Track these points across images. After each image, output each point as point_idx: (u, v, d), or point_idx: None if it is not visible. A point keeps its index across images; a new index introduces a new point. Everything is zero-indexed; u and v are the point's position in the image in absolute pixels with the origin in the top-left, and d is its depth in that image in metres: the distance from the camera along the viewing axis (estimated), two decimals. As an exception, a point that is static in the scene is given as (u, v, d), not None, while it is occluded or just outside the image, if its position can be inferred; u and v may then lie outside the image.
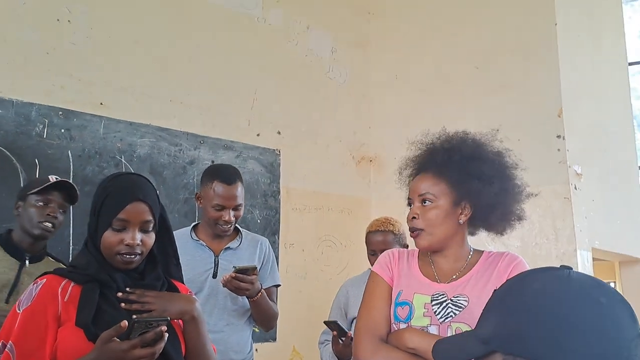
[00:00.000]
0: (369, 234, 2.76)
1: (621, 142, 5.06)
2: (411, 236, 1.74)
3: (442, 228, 1.68)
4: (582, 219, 3.93)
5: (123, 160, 3.26)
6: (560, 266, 0.89)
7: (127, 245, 1.55)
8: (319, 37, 4.41)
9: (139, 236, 1.57)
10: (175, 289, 1.69)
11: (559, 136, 3.92)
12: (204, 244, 2.47)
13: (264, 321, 2.52)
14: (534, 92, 4.08)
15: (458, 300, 1.62)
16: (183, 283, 1.78)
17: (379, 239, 2.69)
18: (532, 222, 3.89)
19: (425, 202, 1.69)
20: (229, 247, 2.49)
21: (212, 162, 3.61)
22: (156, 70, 3.50)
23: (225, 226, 2.42)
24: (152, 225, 1.61)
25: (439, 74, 4.46)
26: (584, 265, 3.81)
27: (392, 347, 1.63)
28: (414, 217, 1.70)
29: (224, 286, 2.28)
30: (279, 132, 4.01)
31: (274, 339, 3.60)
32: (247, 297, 2.36)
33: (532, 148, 3.99)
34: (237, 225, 2.55)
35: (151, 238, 1.62)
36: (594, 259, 4.13)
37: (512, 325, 0.85)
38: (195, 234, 2.51)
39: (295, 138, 4.10)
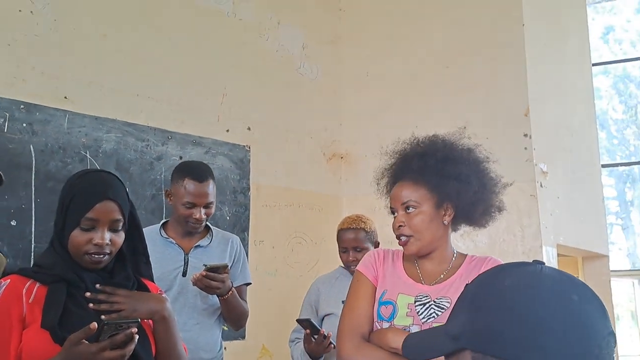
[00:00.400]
0: (340, 231, 2.75)
1: (585, 141, 5.16)
2: (400, 244, 1.76)
3: (429, 232, 1.72)
4: (547, 216, 4.00)
5: (88, 156, 3.19)
6: (533, 261, 0.88)
7: (95, 245, 1.52)
8: (290, 33, 4.38)
9: (108, 235, 1.54)
10: (145, 288, 1.66)
11: (525, 135, 3.97)
12: (174, 241, 2.44)
13: (234, 320, 2.50)
14: (502, 91, 4.13)
15: (441, 302, 1.67)
16: (153, 282, 1.75)
17: (350, 237, 2.67)
18: (500, 219, 3.93)
19: (408, 209, 1.73)
20: (199, 245, 2.46)
21: (181, 158, 3.56)
22: (123, 64, 3.43)
23: (196, 224, 2.39)
24: (121, 224, 1.58)
25: (409, 71, 4.48)
26: (549, 261, 3.88)
27: (375, 346, 1.65)
28: (400, 226, 1.73)
29: (194, 284, 2.26)
30: (249, 128, 3.98)
31: (243, 337, 3.57)
32: (218, 296, 2.33)
33: (499, 146, 4.03)
34: (207, 223, 2.52)
35: (120, 237, 1.59)
36: (558, 255, 4.21)
37: (483, 322, 0.83)
38: (165, 232, 2.47)
39: (265, 134, 4.07)
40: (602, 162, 5.65)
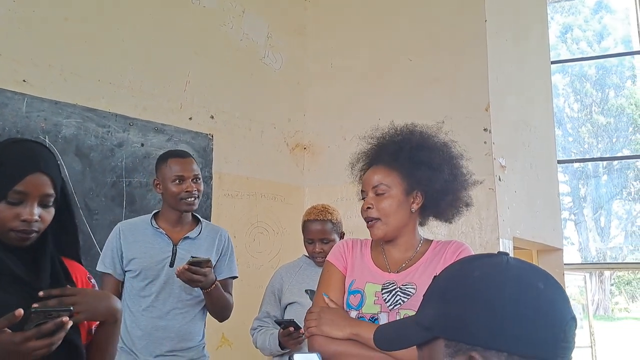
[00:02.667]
0: (306, 222, 2.74)
1: (542, 137, 5.27)
2: (367, 227, 1.79)
3: (396, 217, 1.75)
4: (505, 209, 4.08)
5: (47, 141, 3.12)
6: (498, 252, 0.92)
7: (23, 220, 1.38)
8: (254, 22, 4.36)
9: (37, 211, 1.40)
10: (66, 270, 1.53)
11: (485, 129, 4.04)
12: (164, 232, 2.45)
13: (217, 312, 2.54)
14: (463, 86, 4.19)
15: (406, 288, 1.70)
16: (81, 263, 1.62)
17: (317, 228, 2.67)
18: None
19: (379, 193, 1.76)
20: (187, 237, 2.48)
21: (142, 145, 3.52)
22: (85, 48, 3.36)
23: (189, 199, 2.42)
24: (52, 199, 1.45)
25: (373, 64, 4.51)
26: (505, 254, 3.96)
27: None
28: (368, 207, 1.76)
29: (177, 277, 2.28)
30: (212, 117, 3.96)
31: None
32: (201, 289, 2.36)
33: (460, 140, 4.09)
34: (197, 215, 2.57)
35: (50, 213, 1.46)
36: (514, 248, 4.31)
37: (454, 312, 0.87)
38: (156, 222, 2.48)
39: (228, 123, 4.05)
40: (558, 158, 5.79)
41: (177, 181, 2.41)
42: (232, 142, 4.04)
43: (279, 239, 4.19)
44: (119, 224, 2.54)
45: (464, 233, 3.98)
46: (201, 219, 2.58)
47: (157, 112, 3.64)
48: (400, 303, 1.69)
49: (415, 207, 1.78)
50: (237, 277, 2.65)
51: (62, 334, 1.29)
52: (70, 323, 1.30)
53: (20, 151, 1.45)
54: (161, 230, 2.46)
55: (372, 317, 1.69)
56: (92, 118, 3.33)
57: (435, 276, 0.96)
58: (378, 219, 1.75)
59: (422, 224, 1.88)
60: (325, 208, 2.76)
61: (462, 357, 0.84)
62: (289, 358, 1.24)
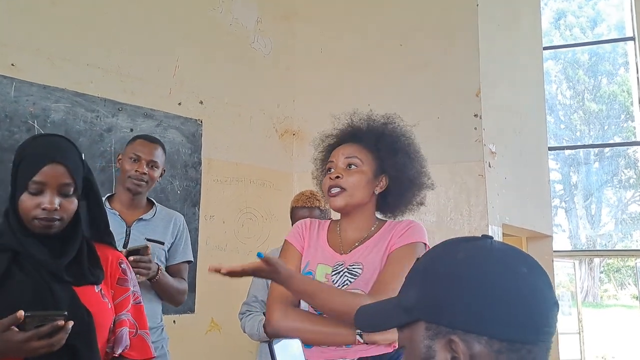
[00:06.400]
0: (295, 208, 2.75)
1: (533, 123, 5.27)
2: (329, 195, 1.82)
3: (361, 193, 1.79)
4: (494, 196, 4.09)
5: (36, 125, 3.10)
6: (482, 235, 0.91)
7: (44, 209, 1.49)
8: (244, 6, 4.32)
9: (57, 200, 1.50)
10: (95, 255, 1.62)
11: (476, 115, 4.04)
12: (117, 213, 2.43)
13: (168, 299, 2.52)
14: (454, 71, 4.18)
15: (353, 268, 1.74)
16: (115, 248, 1.73)
17: (305, 214, 2.66)
18: (448, 197, 4.01)
19: (350, 166, 1.80)
20: (142, 219, 2.47)
21: (131, 130, 3.49)
22: (74, 32, 3.33)
23: (137, 180, 2.41)
24: (72, 189, 1.54)
25: (363, 49, 4.49)
26: (494, 240, 3.97)
27: (301, 311, 1.76)
28: (337, 177, 1.79)
29: None
30: (201, 102, 3.93)
31: (192, 311, 3.56)
32: (148, 280, 2.33)
33: (450, 126, 4.11)
34: (151, 199, 2.56)
35: (72, 203, 1.55)
36: (503, 234, 4.32)
37: (436, 295, 0.86)
38: (109, 204, 2.46)
39: (217, 108, 4.03)
40: (548, 145, 5.80)
41: (133, 159, 2.42)
42: (221, 127, 4.02)
43: (267, 225, 4.19)
44: None
45: (453, 220, 3.99)
46: (156, 203, 2.58)
47: (146, 97, 3.61)
48: (347, 284, 1.72)
49: (378, 189, 1.83)
50: (191, 261, 2.64)
51: (61, 336, 1.39)
52: (70, 325, 1.39)
53: (38, 145, 1.57)
54: (114, 211, 2.43)
55: None
56: (81, 103, 3.31)
57: (418, 258, 0.95)
58: (344, 189, 1.78)
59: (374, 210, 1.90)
60: (314, 194, 2.76)
61: (442, 340, 0.84)
62: (269, 345, 1.23)
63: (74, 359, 1.44)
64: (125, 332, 1.61)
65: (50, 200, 1.49)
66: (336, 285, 1.72)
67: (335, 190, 1.80)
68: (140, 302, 1.71)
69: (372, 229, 1.84)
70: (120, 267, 1.68)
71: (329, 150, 1.93)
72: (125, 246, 2.36)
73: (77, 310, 1.47)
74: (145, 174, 2.41)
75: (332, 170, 1.83)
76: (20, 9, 3.13)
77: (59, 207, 1.50)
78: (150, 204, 2.55)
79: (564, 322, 7.80)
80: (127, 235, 2.41)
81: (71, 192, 1.54)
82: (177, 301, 2.57)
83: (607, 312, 18.89)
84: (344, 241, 1.83)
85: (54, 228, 1.52)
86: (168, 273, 2.48)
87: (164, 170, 2.55)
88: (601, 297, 21.93)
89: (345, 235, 1.84)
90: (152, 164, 2.44)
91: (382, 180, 1.83)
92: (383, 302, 1.00)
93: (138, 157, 2.42)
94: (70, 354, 1.44)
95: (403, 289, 0.94)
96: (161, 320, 2.54)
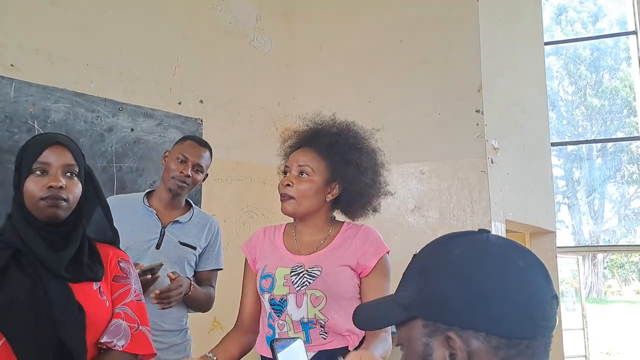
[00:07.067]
0: None
1: (535, 119, 5.25)
2: (281, 199, 1.90)
3: (310, 201, 1.86)
4: (497, 192, 4.08)
5: (36, 126, 3.10)
6: (479, 230, 0.90)
7: (50, 187, 1.50)
8: (243, 5, 4.31)
9: (62, 180, 1.51)
10: (96, 251, 1.62)
11: (477, 111, 4.02)
12: (154, 212, 2.41)
13: (196, 308, 2.52)
14: (455, 67, 4.17)
15: (313, 270, 1.81)
16: (118, 247, 1.73)
17: None
18: (451, 194, 4.00)
19: (302, 174, 1.87)
20: (178, 221, 2.44)
21: (132, 130, 3.49)
22: (73, 32, 3.33)
23: (180, 182, 2.38)
24: (76, 170, 1.56)
25: (363, 46, 4.48)
26: (497, 236, 3.96)
27: (229, 333, 1.93)
28: (288, 185, 1.87)
29: (157, 302, 2.19)
30: (201, 101, 3.93)
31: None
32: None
33: (452, 121, 4.10)
34: (190, 200, 2.54)
35: (77, 186, 1.56)
36: (507, 231, 4.31)
37: (433, 292, 0.85)
38: (148, 201, 2.45)
39: (218, 107, 4.02)
40: (551, 140, 5.78)
41: (180, 160, 2.40)
42: (222, 126, 4.01)
43: (268, 224, 4.14)
44: (109, 198, 2.49)
45: (455, 216, 3.98)
46: (193, 205, 2.55)
47: (146, 97, 3.61)
48: (306, 285, 1.79)
49: (330, 197, 1.89)
50: (222, 269, 2.62)
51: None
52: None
53: (41, 135, 1.63)
54: (152, 209, 2.42)
55: (282, 299, 1.80)
56: (81, 103, 3.31)
57: (414, 254, 0.94)
58: (292, 197, 1.86)
59: (330, 214, 1.97)
60: None
61: (440, 337, 0.83)
62: (270, 345, 1.22)
63: (60, 353, 1.43)
64: (121, 324, 1.59)
65: (56, 178, 1.50)
66: (295, 285, 1.79)
67: (285, 197, 1.88)
68: (141, 300, 1.70)
69: (330, 231, 1.90)
70: (119, 265, 1.68)
71: (289, 152, 1.99)
72: (158, 247, 2.36)
73: (68, 306, 1.47)
74: (189, 176, 2.39)
75: (287, 174, 1.90)
76: (19, 9, 3.12)
77: (64, 185, 1.51)
78: (188, 206, 2.53)
79: (568, 318, 7.77)
80: (161, 235, 2.39)
81: (75, 175, 1.56)
82: (205, 310, 2.56)
83: (611, 307, 18.86)
84: (300, 244, 1.90)
85: (60, 209, 1.52)
86: (197, 278, 2.47)
87: (207, 175, 2.53)
88: (605, 293, 21.90)
89: (300, 238, 1.91)
90: (197, 168, 2.42)
91: (334, 188, 1.88)
92: (380, 300, 0.99)
93: (185, 159, 2.40)
94: (57, 348, 1.43)
95: (400, 286, 0.93)
96: (186, 322, 2.52)
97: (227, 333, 1.95)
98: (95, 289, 1.57)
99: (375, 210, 1.96)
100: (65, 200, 1.52)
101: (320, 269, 1.80)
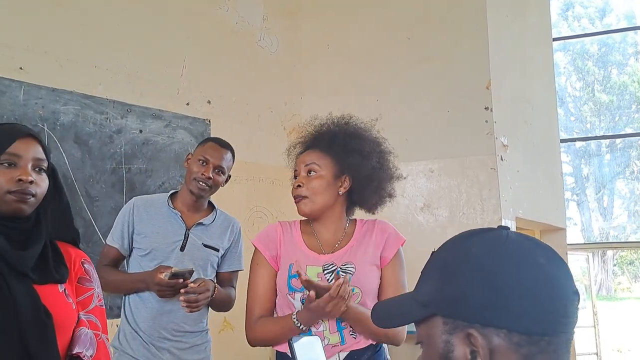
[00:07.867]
0: None
1: (545, 115, 5.24)
2: (295, 202, 1.92)
3: (323, 196, 1.89)
4: (507, 189, 4.06)
5: (45, 128, 3.11)
6: (498, 226, 0.90)
7: (19, 181, 1.41)
8: (249, 5, 4.31)
9: (33, 174, 1.44)
10: (59, 254, 1.53)
11: (486, 108, 4.01)
12: (179, 214, 2.42)
13: (220, 308, 2.53)
14: (463, 63, 4.15)
15: (347, 267, 1.85)
16: (77, 247, 1.63)
17: None
18: (460, 192, 3.99)
19: (310, 173, 1.90)
20: (201, 223, 2.45)
21: (141, 131, 3.50)
22: (81, 34, 3.33)
23: (201, 183, 2.39)
24: (45, 165, 1.48)
25: (370, 43, 4.47)
26: (507, 233, 3.94)
27: (267, 318, 1.89)
28: (299, 185, 1.90)
29: (185, 305, 2.23)
30: (209, 102, 3.93)
31: (205, 311, 3.56)
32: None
33: (460, 119, 4.08)
34: (212, 202, 2.55)
35: (44, 182, 1.48)
36: (517, 228, 4.29)
37: (452, 288, 0.84)
38: (172, 202, 2.46)
39: (225, 108, 4.02)
40: (560, 137, 5.75)
41: (202, 162, 2.40)
42: (230, 127, 4.01)
43: (278, 223, 4.17)
44: (134, 199, 2.50)
45: (465, 214, 3.96)
46: (216, 206, 2.56)
47: (154, 98, 3.61)
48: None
49: (342, 190, 1.92)
50: (242, 269, 2.61)
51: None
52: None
53: (9, 125, 1.53)
54: (176, 211, 2.43)
55: (317, 298, 1.78)
56: (90, 105, 3.32)
57: (433, 251, 0.93)
58: (306, 196, 1.88)
59: (348, 214, 2.00)
60: None
61: (460, 334, 0.82)
62: (288, 343, 1.22)
63: None
64: (88, 333, 1.51)
65: (26, 172, 1.42)
66: (332, 283, 1.77)
67: (298, 199, 1.90)
68: (103, 305, 1.61)
69: (346, 228, 1.95)
70: (84, 266, 1.59)
71: (296, 158, 2.02)
72: (182, 249, 2.38)
73: (35, 311, 1.39)
74: (210, 178, 2.39)
75: (297, 178, 1.94)
76: (26, 12, 3.13)
77: (33, 179, 1.43)
78: (211, 208, 2.53)
79: (579, 315, 7.75)
80: (186, 237, 2.40)
81: (44, 170, 1.48)
82: (226, 310, 2.57)
83: (621, 304, 18.76)
84: (322, 242, 1.92)
85: (27, 204, 1.44)
86: (219, 279, 2.49)
87: (229, 177, 2.53)
88: (615, 290, 21.78)
89: (322, 237, 1.93)
90: (219, 169, 2.42)
91: (345, 181, 1.92)
92: (399, 298, 0.98)
93: (206, 160, 2.40)
94: (26, 356, 1.35)
95: (419, 284, 0.92)
96: (207, 324, 2.53)
97: (265, 318, 1.91)
98: (61, 291, 1.49)
99: (391, 196, 1.99)
100: (33, 195, 1.44)
101: (353, 266, 1.84)
